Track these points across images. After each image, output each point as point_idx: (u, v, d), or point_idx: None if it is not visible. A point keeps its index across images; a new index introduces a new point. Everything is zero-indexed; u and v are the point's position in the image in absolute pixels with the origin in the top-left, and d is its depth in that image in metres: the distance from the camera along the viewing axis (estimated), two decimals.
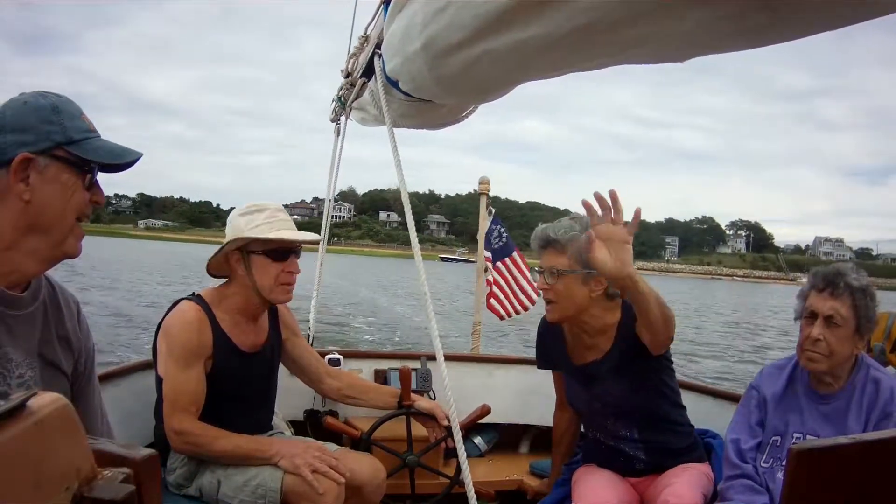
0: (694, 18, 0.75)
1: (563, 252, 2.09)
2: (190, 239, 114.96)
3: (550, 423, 3.15)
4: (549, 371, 2.46)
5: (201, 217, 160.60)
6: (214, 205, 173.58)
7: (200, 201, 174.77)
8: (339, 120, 3.09)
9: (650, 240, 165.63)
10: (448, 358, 2.96)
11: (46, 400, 0.57)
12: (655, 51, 0.88)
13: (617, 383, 2.14)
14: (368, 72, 1.96)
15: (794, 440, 1.94)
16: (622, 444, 2.20)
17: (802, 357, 1.94)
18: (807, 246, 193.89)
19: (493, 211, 4.12)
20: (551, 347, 2.34)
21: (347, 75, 2.36)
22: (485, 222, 4.00)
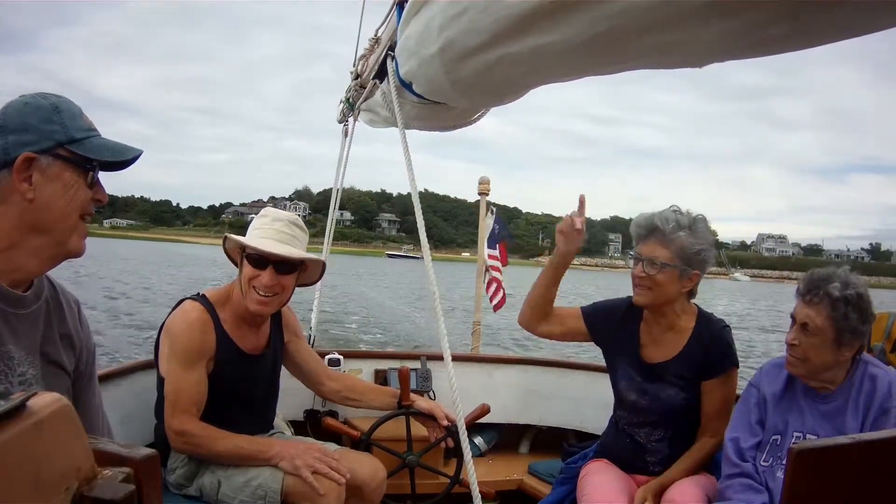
0: (718, 27, 0.75)
1: (666, 244, 2.09)
2: (155, 237, 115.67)
3: (550, 423, 3.16)
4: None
5: (162, 216, 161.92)
6: (174, 203, 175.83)
7: (161, 200, 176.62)
8: (346, 121, 3.09)
9: (594, 237, 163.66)
10: None
11: (46, 400, 0.57)
12: (674, 57, 0.87)
13: (674, 389, 2.17)
14: (380, 74, 1.95)
15: (793, 439, 1.93)
16: (650, 442, 2.21)
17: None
18: (752, 242, 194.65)
19: (495, 210, 4.12)
20: (621, 330, 2.30)
21: (356, 77, 2.35)
22: (485, 223, 3.99)
